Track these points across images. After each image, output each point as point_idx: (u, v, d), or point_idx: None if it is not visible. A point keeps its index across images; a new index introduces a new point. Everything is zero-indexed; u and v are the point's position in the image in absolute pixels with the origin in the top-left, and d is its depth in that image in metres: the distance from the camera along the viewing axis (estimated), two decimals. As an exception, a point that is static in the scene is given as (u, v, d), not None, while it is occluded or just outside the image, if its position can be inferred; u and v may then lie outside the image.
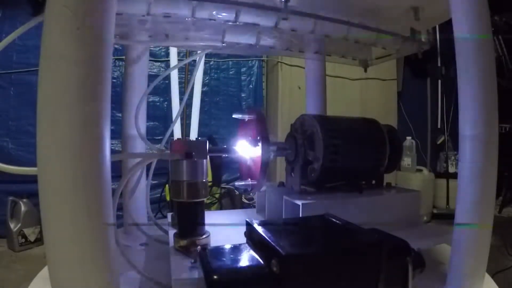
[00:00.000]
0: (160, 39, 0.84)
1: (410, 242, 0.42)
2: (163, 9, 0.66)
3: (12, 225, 1.80)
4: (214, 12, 0.68)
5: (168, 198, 1.92)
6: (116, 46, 1.78)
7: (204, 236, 0.57)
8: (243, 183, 0.71)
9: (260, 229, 0.41)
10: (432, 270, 0.57)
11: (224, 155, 0.73)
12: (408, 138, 2.41)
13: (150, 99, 2.14)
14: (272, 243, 0.37)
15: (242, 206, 1.97)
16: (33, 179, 0.37)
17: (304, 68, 1.10)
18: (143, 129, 0.80)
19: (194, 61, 0.98)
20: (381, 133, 0.75)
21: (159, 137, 1.99)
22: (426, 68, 2.83)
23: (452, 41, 0.53)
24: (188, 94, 1.07)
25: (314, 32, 0.77)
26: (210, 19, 0.69)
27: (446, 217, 2.28)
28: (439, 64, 2.70)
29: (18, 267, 1.58)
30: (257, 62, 2.43)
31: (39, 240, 1.85)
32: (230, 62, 2.38)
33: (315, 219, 0.49)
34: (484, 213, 0.52)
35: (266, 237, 0.39)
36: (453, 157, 2.56)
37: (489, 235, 0.53)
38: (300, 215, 0.61)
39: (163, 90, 2.14)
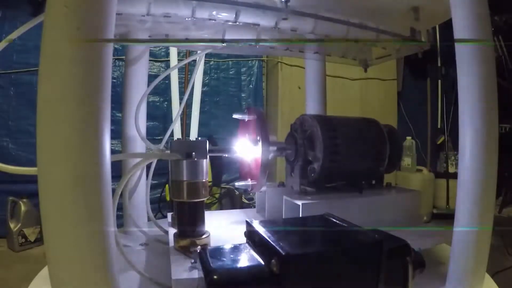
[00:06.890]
0: (160, 39, 0.84)
1: (410, 242, 0.42)
2: (163, 9, 0.66)
3: (12, 225, 1.79)
4: (214, 12, 0.68)
5: (168, 198, 1.92)
6: (116, 46, 1.78)
7: (204, 236, 0.57)
8: (243, 183, 0.71)
9: (260, 229, 0.41)
10: (432, 270, 0.57)
11: (224, 155, 0.73)
12: (408, 138, 2.41)
13: (150, 99, 2.14)
14: (272, 243, 0.37)
15: (242, 206, 1.97)
16: (33, 179, 0.37)
17: (304, 68, 1.10)
18: (143, 129, 0.80)
19: (194, 61, 0.98)
20: (381, 133, 0.75)
21: (159, 137, 1.99)
22: (426, 68, 2.84)
23: (452, 41, 0.53)
24: (188, 94, 1.07)
25: (314, 32, 0.77)
26: (210, 19, 0.69)
27: (446, 217, 2.28)
28: (439, 64, 2.70)
29: (18, 267, 1.58)
30: (257, 62, 2.43)
31: (39, 240, 1.85)
32: (230, 62, 2.38)
33: (315, 219, 0.49)
34: (484, 214, 0.52)
35: (266, 237, 0.39)
36: (453, 157, 2.56)
37: (489, 235, 0.53)
38: (300, 215, 0.61)
39: (163, 90, 2.14)
